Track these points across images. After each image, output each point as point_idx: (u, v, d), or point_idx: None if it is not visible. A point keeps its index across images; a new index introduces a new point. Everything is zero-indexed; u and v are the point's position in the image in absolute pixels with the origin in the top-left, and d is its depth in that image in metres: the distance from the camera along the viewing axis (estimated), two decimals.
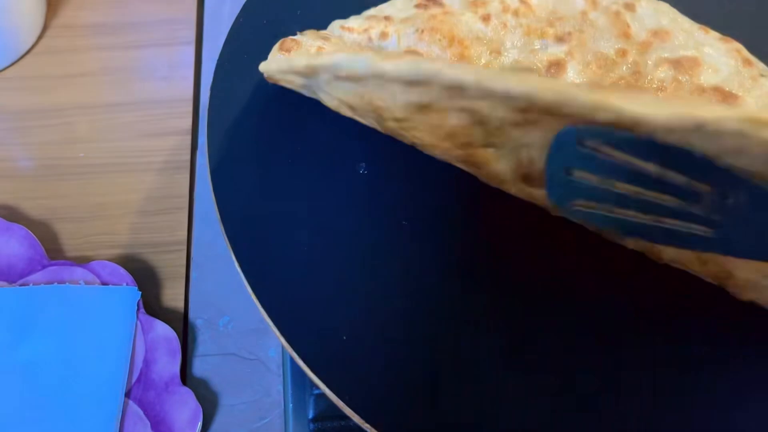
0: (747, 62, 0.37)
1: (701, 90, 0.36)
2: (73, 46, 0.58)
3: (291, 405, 0.40)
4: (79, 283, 0.44)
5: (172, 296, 0.47)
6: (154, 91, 0.56)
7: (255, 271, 0.33)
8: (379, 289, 0.33)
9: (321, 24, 0.43)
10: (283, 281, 0.33)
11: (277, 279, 0.33)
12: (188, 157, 0.53)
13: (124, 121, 0.55)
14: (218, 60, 0.40)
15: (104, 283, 0.45)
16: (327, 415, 0.41)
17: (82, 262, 0.46)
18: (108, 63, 0.58)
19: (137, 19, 0.60)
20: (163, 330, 0.43)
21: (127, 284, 0.45)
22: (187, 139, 0.54)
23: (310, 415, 0.41)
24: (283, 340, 0.31)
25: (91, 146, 0.53)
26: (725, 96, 0.36)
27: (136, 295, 0.44)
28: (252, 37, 0.42)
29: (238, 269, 0.33)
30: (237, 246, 0.34)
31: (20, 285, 0.44)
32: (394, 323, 0.32)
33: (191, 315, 0.46)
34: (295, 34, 0.42)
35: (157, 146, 0.53)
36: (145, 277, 0.47)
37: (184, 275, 0.48)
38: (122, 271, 0.45)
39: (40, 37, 0.58)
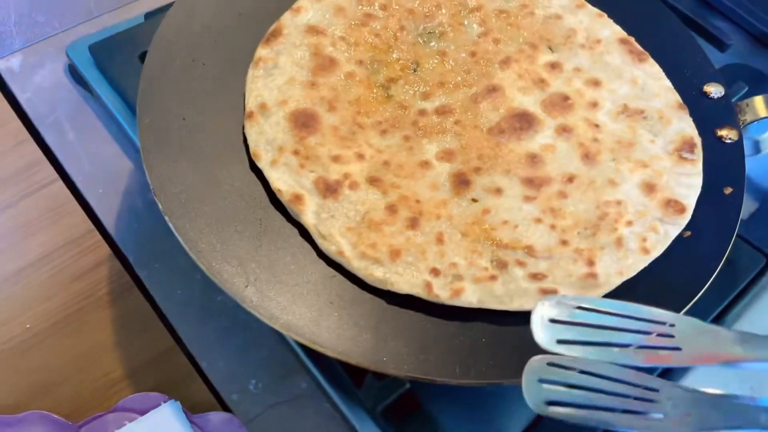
0: None
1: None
2: None
3: None
4: (124, 424, 0.49)
5: (197, 390, 0.53)
6: (52, 237, 0.58)
7: None
8: None
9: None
10: None
11: None
12: (127, 278, 0.57)
13: (44, 278, 0.57)
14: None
15: (143, 413, 0.49)
16: None
17: (107, 410, 0.50)
18: None
19: None
20: (218, 418, 0.50)
21: (163, 402, 0.50)
22: (116, 264, 0.57)
23: None
24: None
25: (33, 313, 0.55)
26: None
27: (177, 405, 0.49)
28: None
29: None
30: None
31: None
32: None
33: (221, 391, 0.53)
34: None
35: (92, 280, 0.57)
36: (163, 390, 0.52)
37: (192, 369, 0.54)
38: (151, 394, 0.50)
39: None
